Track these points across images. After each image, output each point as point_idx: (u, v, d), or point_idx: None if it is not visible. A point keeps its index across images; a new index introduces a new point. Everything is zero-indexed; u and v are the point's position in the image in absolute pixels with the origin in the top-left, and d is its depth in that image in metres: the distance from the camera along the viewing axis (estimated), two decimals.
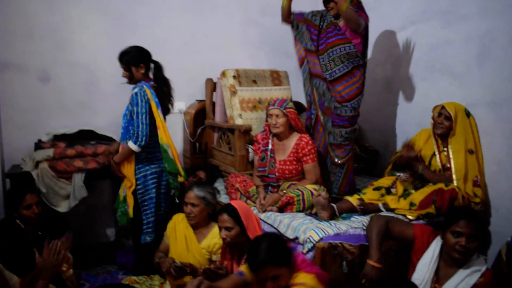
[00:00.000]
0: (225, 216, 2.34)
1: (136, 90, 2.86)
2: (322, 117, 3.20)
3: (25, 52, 3.54)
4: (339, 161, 3.14)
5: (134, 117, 2.82)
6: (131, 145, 2.82)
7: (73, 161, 3.26)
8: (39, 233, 2.72)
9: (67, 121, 3.66)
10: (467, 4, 2.93)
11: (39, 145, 3.38)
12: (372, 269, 2.25)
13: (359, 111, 3.14)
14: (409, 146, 2.90)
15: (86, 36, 3.73)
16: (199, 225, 2.67)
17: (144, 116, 2.81)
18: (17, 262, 2.41)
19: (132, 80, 2.94)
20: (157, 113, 2.88)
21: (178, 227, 2.70)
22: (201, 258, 2.58)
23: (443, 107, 2.84)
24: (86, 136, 3.55)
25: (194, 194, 2.61)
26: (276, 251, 1.93)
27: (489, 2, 2.77)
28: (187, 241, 2.64)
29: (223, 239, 2.36)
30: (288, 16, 3.24)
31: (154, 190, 2.94)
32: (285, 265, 1.94)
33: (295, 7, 3.25)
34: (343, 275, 2.37)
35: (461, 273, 2.07)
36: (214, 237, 2.61)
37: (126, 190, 2.95)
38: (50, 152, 3.25)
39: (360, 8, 2.97)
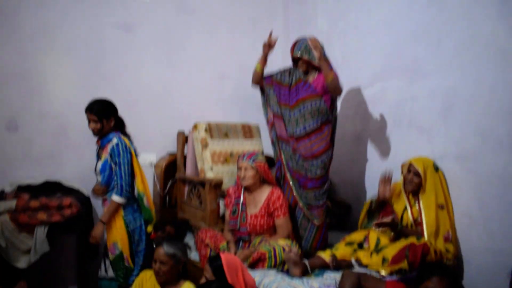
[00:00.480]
0: (207, 268, 2.37)
1: (115, 141, 2.84)
2: (291, 181, 3.20)
3: None
4: (317, 223, 3.12)
5: (117, 168, 2.79)
6: (117, 198, 2.79)
7: (37, 214, 3.12)
8: None
9: (33, 172, 3.57)
10: (429, 61, 3.05)
11: (1, 196, 3.24)
12: None
13: (328, 170, 3.16)
14: (385, 180, 2.91)
15: (57, 86, 3.73)
16: (167, 283, 2.54)
17: (127, 167, 2.80)
18: None
19: (100, 132, 2.89)
20: (137, 161, 2.90)
21: (145, 285, 2.58)
22: None
23: (411, 164, 2.88)
24: (52, 188, 3.45)
25: (164, 251, 2.50)
26: None
27: (450, 60, 2.89)
28: None
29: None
30: (260, 79, 3.30)
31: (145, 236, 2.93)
32: None
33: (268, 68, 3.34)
34: None
35: None
36: None
37: (119, 246, 2.86)
38: (12, 203, 3.11)
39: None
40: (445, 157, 2.93)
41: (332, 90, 3.03)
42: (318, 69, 3.12)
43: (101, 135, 2.90)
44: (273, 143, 3.37)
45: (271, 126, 3.35)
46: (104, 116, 2.86)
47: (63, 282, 3.70)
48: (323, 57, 2.98)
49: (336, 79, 3.00)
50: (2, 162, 3.52)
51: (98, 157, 2.95)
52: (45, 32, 3.69)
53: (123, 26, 4.01)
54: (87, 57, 3.84)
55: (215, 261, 2.38)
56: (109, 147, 2.85)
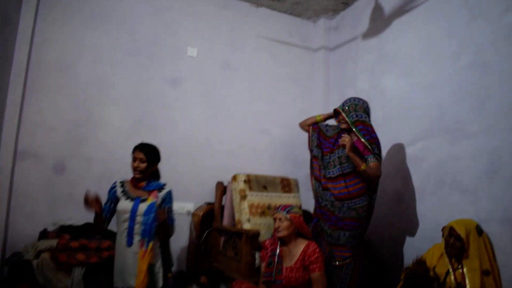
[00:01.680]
0: None
1: (168, 188, 2.97)
2: (324, 226, 3.16)
3: (45, 143, 3.68)
4: (337, 263, 3.05)
5: (168, 214, 2.90)
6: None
7: (76, 254, 3.18)
8: None
9: (75, 213, 3.63)
10: (473, 122, 3.06)
11: (44, 235, 3.34)
12: None
13: (363, 221, 3.11)
14: (419, 262, 2.81)
15: (105, 134, 3.90)
16: None
17: (173, 214, 2.96)
18: None
19: (143, 172, 2.94)
20: None
21: None
22: None
23: (452, 228, 2.78)
24: (92, 230, 3.50)
25: None
26: None
27: (495, 121, 2.89)
28: None
29: None
30: (309, 126, 3.44)
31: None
32: None
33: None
34: None
35: None
36: None
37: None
38: (54, 242, 3.20)
39: (368, 133, 3.11)
40: (491, 220, 2.84)
41: (367, 176, 3.04)
42: None
43: (143, 178, 2.96)
44: (312, 185, 3.38)
45: (311, 167, 3.41)
46: (151, 158, 2.94)
47: None
48: (352, 153, 3.01)
49: (367, 170, 3.00)
50: (47, 202, 3.64)
51: (139, 199, 2.93)
52: (98, 83, 3.95)
53: (170, 80, 4.23)
54: (134, 108, 4.05)
55: None
56: (162, 193, 2.94)
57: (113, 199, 2.92)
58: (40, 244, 3.19)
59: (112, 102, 3.97)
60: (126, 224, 2.87)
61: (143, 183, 2.97)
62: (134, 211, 2.89)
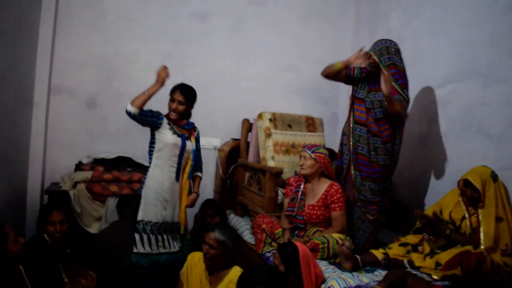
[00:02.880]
0: (277, 255, 2.47)
1: (198, 130, 3.16)
2: (353, 173, 3.12)
3: (77, 79, 3.81)
4: (370, 217, 3.09)
5: (198, 153, 3.13)
6: (201, 175, 3.19)
7: (109, 186, 3.40)
8: (68, 251, 2.82)
9: (108, 147, 3.84)
10: (506, 67, 2.95)
11: (79, 167, 3.55)
12: None
13: (390, 168, 3.12)
14: (434, 213, 2.86)
15: (135, 70, 3.96)
16: (215, 268, 2.60)
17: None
18: (41, 276, 2.48)
19: (181, 115, 2.99)
20: None
21: (194, 269, 2.65)
22: None
23: (468, 181, 2.76)
24: (124, 163, 3.70)
25: (214, 236, 2.55)
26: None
27: None
28: (201, 284, 2.59)
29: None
30: (335, 75, 3.19)
31: None
32: None
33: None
34: None
35: None
36: (229, 281, 2.52)
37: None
38: (88, 174, 3.40)
39: (401, 78, 3.02)
40: None
41: (388, 104, 2.90)
42: None
43: (180, 117, 3.01)
44: (343, 132, 3.26)
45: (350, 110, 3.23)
46: (190, 100, 3.00)
47: (127, 249, 3.96)
48: (390, 97, 2.86)
49: (400, 110, 2.92)
50: (82, 136, 3.84)
51: (184, 136, 3.01)
52: (126, 19, 3.96)
53: (197, 15, 4.19)
54: (163, 43, 4.06)
55: (286, 248, 2.44)
56: (195, 133, 3.10)
57: (155, 121, 2.90)
58: (75, 175, 3.40)
59: (140, 38, 4.00)
60: (174, 159, 2.96)
61: (184, 121, 3.05)
62: (183, 147, 2.99)
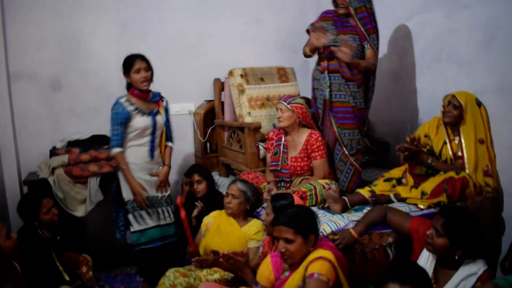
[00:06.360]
0: (269, 205, 2.52)
1: (165, 99, 3.09)
2: (336, 130, 3.08)
3: (36, 61, 3.64)
4: (360, 167, 3.12)
5: (169, 123, 3.10)
6: (172, 145, 3.16)
7: (88, 166, 3.33)
8: (58, 238, 2.79)
9: (80, 127, 3.74)
10: None
11: (54, 152, 3.46)
12: (349, 235, 2.34)
13: (366, 108, 3.14)
14: (412, 139, 2.89)
15: (95, 44, 3.81)
16: (236, 217, 2.82)
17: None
18: (37, 269, 2.48)
19: (150, 81, 2.94)
20: None
21: (219, 219, 2.85)
22: (239, 242, 2.71)
23: (453, 96, 2.82)
24: (99, 141, 3.61)
25: (237, 186, 2.80)
26: (299, 219, 2.04)
27: None
28: (230, 226, 2.80)
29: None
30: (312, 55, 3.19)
31: None
32: (301, 234, 2.02)
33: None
34: (355, 265, 2.38)
35: (457, 276, 1.99)
36: (251, 225, 2.78)
37: None
38: (65, 158, 3.32)
39: (370, 22, 2.99)
40: (486, 91, 2.87)
41: (367, 70, 2.99)
42: None
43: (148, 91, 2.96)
44: (313, 77, 3.22)
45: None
46: (151, 64, 2.93)
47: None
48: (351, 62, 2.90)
49: (367, 64, 2.95)
50: (51, 120, 3.71)
51: (153, 113, 2.97)
52: None
53: None
54: (120, 13, 3.88)
55: (278, 200, 2.48)
56: (163, 103, 3.04)
57: (126, 121, 2.86)
58: (52, 161, 3.32)
59: (96, 10, 3.80)
60: (147, 139, 2.96)
61: (150, 95, 2.97)
62: (154, 126, 2.96)
